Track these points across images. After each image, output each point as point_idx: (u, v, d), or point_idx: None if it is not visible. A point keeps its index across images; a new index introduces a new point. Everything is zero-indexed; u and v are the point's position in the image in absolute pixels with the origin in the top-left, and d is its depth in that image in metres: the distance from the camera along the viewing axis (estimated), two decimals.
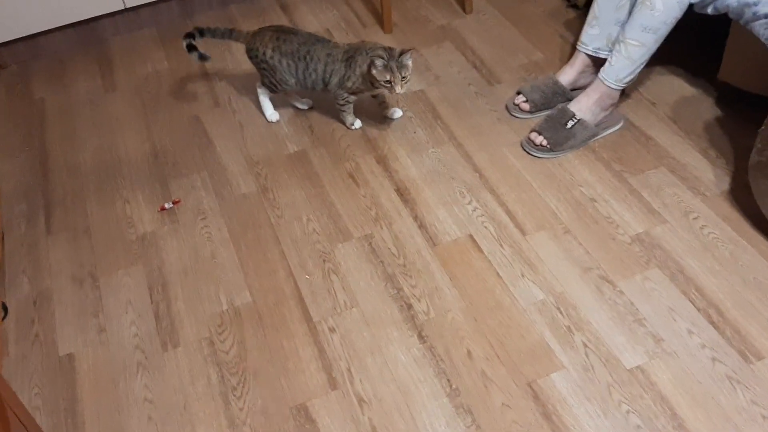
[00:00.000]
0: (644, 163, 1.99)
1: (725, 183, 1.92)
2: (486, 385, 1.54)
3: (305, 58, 2.04)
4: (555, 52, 2.41)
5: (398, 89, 1.95)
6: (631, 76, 1.99)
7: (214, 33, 2.15)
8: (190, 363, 1.64)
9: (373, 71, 1.94)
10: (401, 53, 1.93)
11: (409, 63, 1.95)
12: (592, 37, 2.10)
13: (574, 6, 2.59)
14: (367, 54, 1.99)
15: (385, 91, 2.00)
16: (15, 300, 1.81)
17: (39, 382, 1.64)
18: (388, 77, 1.94)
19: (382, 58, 1.92)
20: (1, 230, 1.95)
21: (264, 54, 2.07)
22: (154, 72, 2.51)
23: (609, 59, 1.99)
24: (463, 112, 2.22)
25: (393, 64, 1.92)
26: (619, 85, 2.00)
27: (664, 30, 1.90)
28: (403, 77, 1.95)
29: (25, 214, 2.04)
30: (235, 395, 1.58)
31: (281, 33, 2.07)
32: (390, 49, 1.97)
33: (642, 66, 1.97)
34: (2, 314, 1.73)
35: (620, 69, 1.97)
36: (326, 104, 2.28)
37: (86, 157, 2.21)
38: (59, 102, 2.42)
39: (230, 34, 2.15)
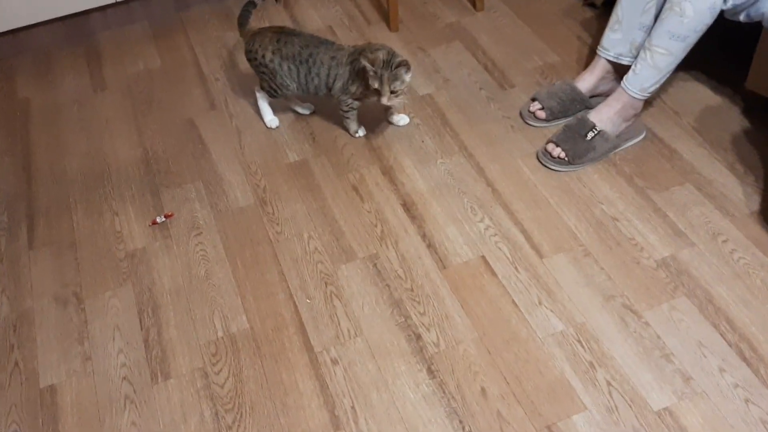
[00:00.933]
0: (668, 178, 1.87)
1: (755, 202, 1.79)
2: (502, 427, 1.42)
3: (307, 61, 1.91)
4: (571, 55, 2.27)
5: (385, 101, 1.82)
6: (657, 86, 1.85)
7: (248, 10, 2.06)
8: (182, 397, 1.52)
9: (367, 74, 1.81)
10: (398, 64, 1.79)
11: (406, 77, 1.81)
12: (614, 42, 1.96)
13: (591, 5, 2.45)
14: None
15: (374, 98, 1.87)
16: None
17: (17, 418, 1.52)
18: (376, 85, 1.80)
19: (372, 64, 1.78)
20: None
21: (263, 57, 1.93)
22: (145, 70, 2.37)
23: (633, 67, 1.85)
24: (474, 118, 2.09)
25: (385, 74, 1.78)
26: (643, 95, 1.87)
27: (694, 38, 1.76)
28: (393, 91, 1.81)
29: (5, 225, 1.91)
30: None
31: (282, 35, 1.93)
32: (391, 54, 1.82)
33: (668, 75, 1.84)
34: None
35: (645, 78, 1.84)
36: (328, 109, 2.14)
37: (73, 163, 2.07)
38: (45, 102, 2.28)
39: (244, 23, 2.03)
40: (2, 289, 1.76)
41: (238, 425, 1.47)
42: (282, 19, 2.51)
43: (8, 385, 1.57)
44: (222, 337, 1.62)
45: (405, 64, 1.80)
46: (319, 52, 1.90)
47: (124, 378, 1.57)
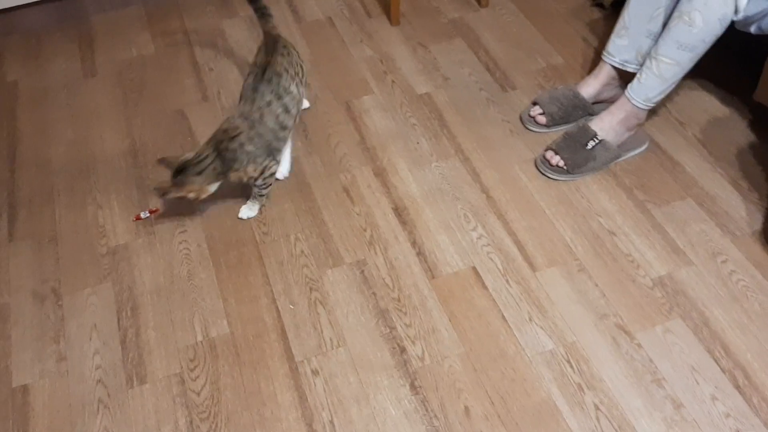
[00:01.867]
0: (670, 192, 1.81)
1: (757, 222, 1.73)
2: None
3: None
4: (576, 57, 2.20)
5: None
6: (661, 96, 1.79)
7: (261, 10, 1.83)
8: (157, 403, 1.48)
9: None
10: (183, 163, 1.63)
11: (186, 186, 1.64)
12: (620, 48, 1.89)
13: (600, 5, 2.38)
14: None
15: None
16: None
17: None
18: None
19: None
20: None
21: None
22: (138, 57, 2.30)
23: (638, 76, 1.79)
24: (473, 121, 2.03)
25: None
26: (647, 105, 1.80)
27: (702, 48, 1.69)
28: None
29: None
30: None
31: (267, 44, 1.77)
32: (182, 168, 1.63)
33: (674, 85, 1.77)
34: None
35: (650, 87, 1.77)
36: (323, 106, 2.08)
37: (59, 151, 2.02)
38: (33, 86, 2.22)
39: (266, 22, 1.83)
40: None
41: None
42: (280, 9, 2.44)
43: None
44: (201, 342, 1.57)
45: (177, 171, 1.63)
46: (259, 83, 1.69)
47: (99, 381, 1.52)
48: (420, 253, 1.71)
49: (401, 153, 1.95)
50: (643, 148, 1.90)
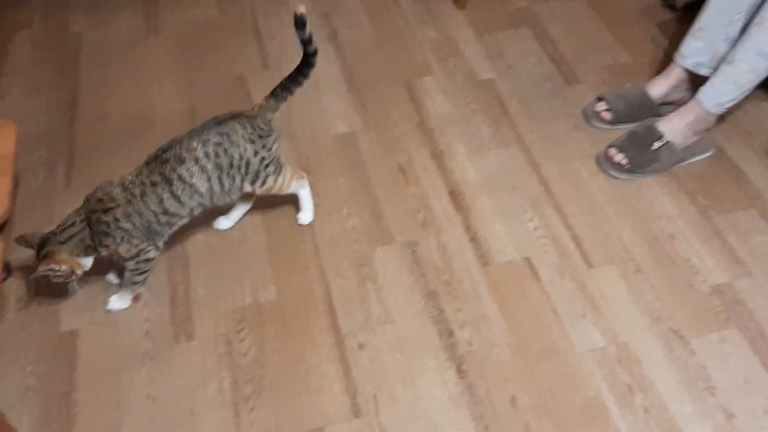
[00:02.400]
0: (733, 201, 1.77)
1: None
2: None
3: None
4: (645, 57, 2.16)
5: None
6: (733, 102, 1.75)
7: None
8: (203, 361, 1.48)
9: None
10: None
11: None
12: (695, 51, 1.85)
13: (671, 6, 2.33)
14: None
15: None
16: (21, 260, 1.66)
17: (35, 358, 1.49)
18: None
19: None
20: (17, 178, 1.78)
21: None
22: (202, 19, 2.30)
23: (711, 79, 1.75)
24: (535, 111, 2.00)
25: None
26: (718, 110, 1.76)
27: None
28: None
29: (44, 161, 1.87)
30: (247, 407, 1.41)
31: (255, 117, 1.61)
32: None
33: (747, 92, 1.73)
34: (2, 276, 1.57)
35: (723, 93, 1.73)
36: (384, 83, 2.06)
37: (118, 105, 2.02)
38: (97, 39, 2.23)
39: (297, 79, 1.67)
40: (34, 226, 1.72)
41: (257, 398, 1.42)
42: None
43: (30, 325, 1.54)
44: (250, 305, 1.57)
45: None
46: (153, 159, 1.50)
47: (147, 333, 1.53)
48: (473, 239, 1.69)
49: (460, 137, 1.93)
50: (709, 153, 1.86)
